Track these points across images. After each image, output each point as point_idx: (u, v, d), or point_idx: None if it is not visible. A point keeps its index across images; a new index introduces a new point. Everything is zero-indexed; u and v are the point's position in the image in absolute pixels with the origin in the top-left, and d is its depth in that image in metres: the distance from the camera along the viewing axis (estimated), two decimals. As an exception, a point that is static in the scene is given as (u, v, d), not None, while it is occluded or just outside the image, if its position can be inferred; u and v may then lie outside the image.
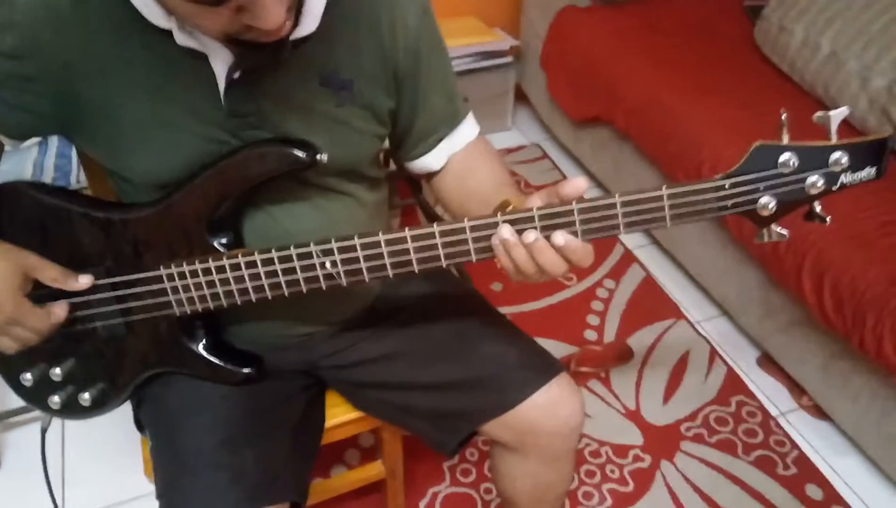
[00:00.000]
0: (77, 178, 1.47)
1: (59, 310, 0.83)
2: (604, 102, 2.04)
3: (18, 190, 0.84)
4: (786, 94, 1.84)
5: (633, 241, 2.13)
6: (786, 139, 0.63)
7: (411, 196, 2.11)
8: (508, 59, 2.36)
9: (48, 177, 1.45)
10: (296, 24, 0.71)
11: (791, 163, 0.63)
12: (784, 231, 0.67)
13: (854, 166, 0.63)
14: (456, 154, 0.94)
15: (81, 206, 0.83)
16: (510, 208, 0.75)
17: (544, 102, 2.44)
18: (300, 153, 0.78)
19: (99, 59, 0.75)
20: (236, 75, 0.75)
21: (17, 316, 0.79)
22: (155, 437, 0.91)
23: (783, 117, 0.62)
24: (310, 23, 0.75)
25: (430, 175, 0.97)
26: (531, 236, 0.70)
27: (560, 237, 0.70)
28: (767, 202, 0.65)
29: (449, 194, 0.96)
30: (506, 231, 0.71)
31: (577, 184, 0.70)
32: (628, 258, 2.07)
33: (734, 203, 0.66)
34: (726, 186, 0.65)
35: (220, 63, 0.75)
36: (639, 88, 1.93)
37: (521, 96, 2.58)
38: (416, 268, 0.75)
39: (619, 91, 1.98)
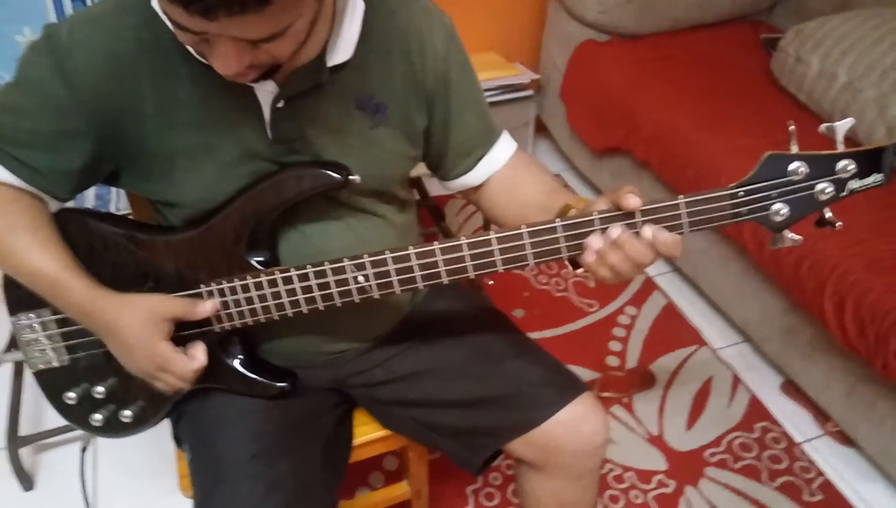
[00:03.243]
0: (116, 206, 1.52)
1: (200, 353, 0.85)
2: (623, 132, 2.08)
3: (67, 216, 0.88)
4: (803, 122, 1.82)
5: (654, 269, 2.15)
6: (794, 149, 0.67)
7: (434, 224, 2.15)
8: (529, 92, 2.41)
9: (89, 205, 1.51)
10: (272, 73, 0.74)
11: (800, 171, 0.67)
12: (797, 237, 0.70)
13: (861, 173, 0.66)
14: (498, 171, 0.98)
15: (126, 229, 0.87)
16: (572, 211, 0.80)
17: (564, 133, 2.49)
18: (334, 174, 0.82)
19: (156, 101, 0.78)
20: (280, 104, 0.80)
21: (162, 363, 0.82)
22: (193, 450, 0.94)
23: (791, 129, 0.66)
24: (345, 50, 0.80)
25: (473, 190, 1.01)
26: (616, 230, 0.74)
27: (648, 231, 0.73)
28: (780, 209, 0.69)
29: (502, 208, 0.99)
30: (615, 232, 0.74)
31: (634, 202, 0.73)
32: (649, 286, 2.08)
33: (749, 209, 0.69)
34: (741, 194, 0.69)
35: (265, 93, 0.79)
36: (658, 117, 1.97)
37: (541, 128, 2.63)
38: (444, 279, 0.79)
39: (638, 121, 2.02)
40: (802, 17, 2.10)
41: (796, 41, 1.93)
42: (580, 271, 0.80)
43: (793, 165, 0.69)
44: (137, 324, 0.80)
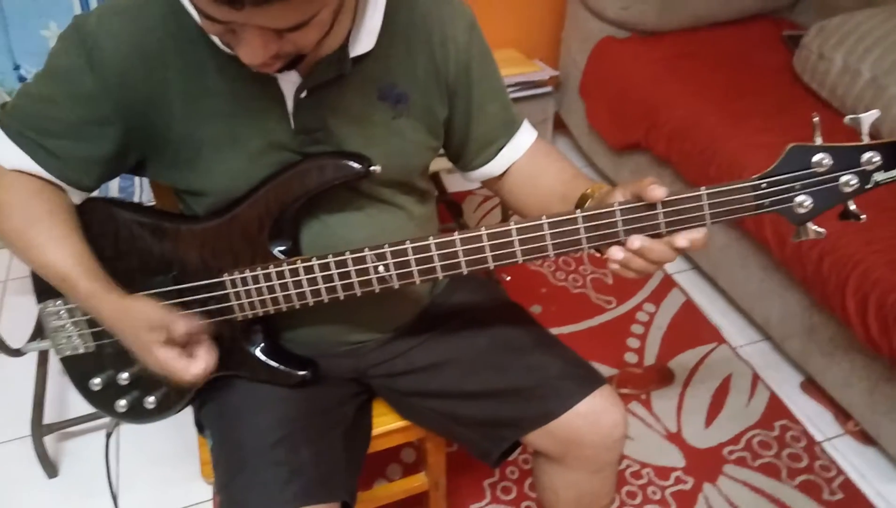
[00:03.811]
0: (140, 198, 1.54)
1: (199, 357, 0.83)
2: (643, 129, 2.07)
3: (93, 205, 0.90)
4: (826, 118, 1.83)
5: (672, 266, 2.14)
6: (818, 141, 0.66)
7: (451, 220, 2.16)
8: (548, 89, 2.41)
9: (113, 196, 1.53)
10: (295, 63, 0.74)
11: (824, 162, 0.66)
12: (821, 229, 0.70)
13: (886, 165, 0.66)
14: (519, 160, 0.98)
15: (151, 218, 0.89)
16: (589, 202, 0.81)
17: (583, 130, 2.48)
18: (355, 164, 0.83)
19: (182, 91, 0.79)
20: (303, 95, 0.80)
21: (162, 367, 0.81)
22: (215, 437, 0.95)
23: (815, 120, 0.66)
24: (367, 41, 0.81)
25: (494, 180, 1.01)
26: (637, 242, 0.74)
27: (683, 240, 0.73)
28: (803, 201, 0.68)
29: (523, 197, 0.99)
30: (636, 243, 0.74)
31: (660, 193, 0.73)
32: (668, 283, 2.07)
33: (771, 201, 0.69)
34: (763, 186, 0.68)
35: (289, 84, 0.80)
36: (678, 114, 1.96)
37: (559, 125, 2.63)
38: (464, 270, 0.79)
39: (658, 118, 2.01)
40: (825, 13, 2.07)
41: (819, 38, 1.91)
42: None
43: (817, 157, 0.68)
44: (134, 330, 0.81)
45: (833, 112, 1.88)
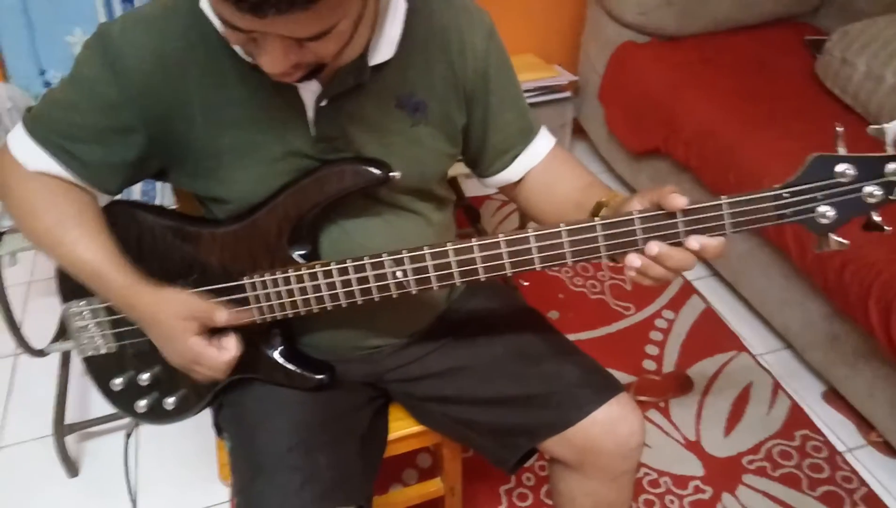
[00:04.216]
0: (161, 200, 1.56)
1: (231, 345, 0.86)
2: (663, 135, 2.06)
3: (117, 208, 0.91)
4: (849, 125, 1.80)
5: (692, 273, 2.12)
6: (842, 150, 0.66)
7: (469, 225, 2.16)
8: (566, 94, 2.41)
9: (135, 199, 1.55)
10: (315, 73, 0.75)
11: (847, 173, 0.66)
12: (844, 241, 0.69)
13: (912, 177, 0.65)
14: (536, 167, 0.98)
15: (174, 221, 0.90)
16: (604, 210, 0.81)
17: (602, 135, 2.47)
18: (375, 170, 0.83)
19: (204, 100, 0.80)
20: (323, 103, 0.81)
21: (195, 357, 0.84)
22: (233, 439, 0.96)
23: (838, 130, 0.65)
24: (387, 50, 0.82)
25: (511, 187, 1.01)
26: (655, 248, 0.73)
27: (695, 242, 0.73)
28: (825, 211, 0.67)
29: (539, 204, 0.99)
30: (654, 249, 0.73)
31: (681, 202, 0.72)
32: (688, 290, 2.06)
33: (793, 211, 0.68)
34: (785, 196, 0.68)
35: (309, 93, 0.81)
36: (698, 119, 1.95)
37: (578, 130, 2.62)
38: (482, 276, 0.79)
39: (678, 123, 2.00)
40: (848, 18, 2.05)
41: (842, 43, 1.89)
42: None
43: (840, 167, 0.67)
44: (172, 319, 0.83)
45: (856, 118, 1.85)
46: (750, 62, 2.13)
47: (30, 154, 0.83)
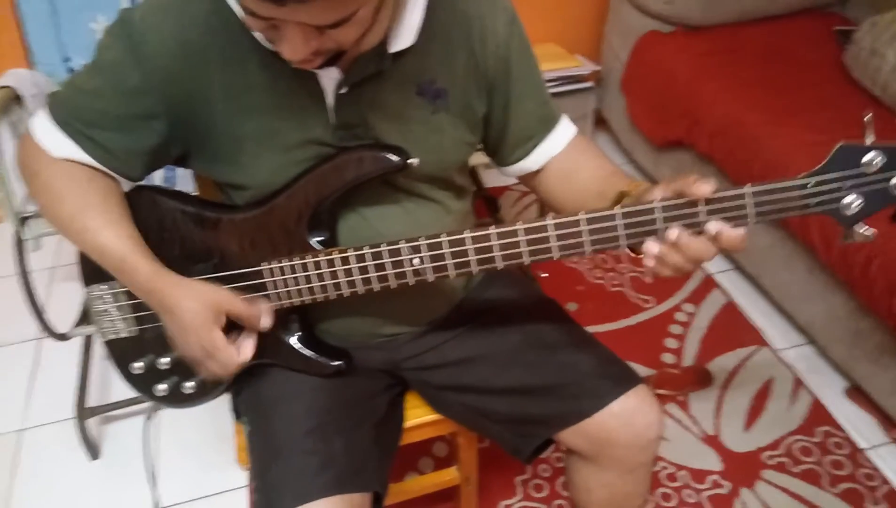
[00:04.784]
0: (181, 186, 1.57)
1: (248, 349, 0.87)
2: (686, 126, 2.04)
3: (139, 193, 0.92)
4: (877, 117, 1.78)
5: (714, 266, 2.10)
6: (870, 140, 0.64)
7: (488, 215, 2.15)
8: (589, 84, 2.39)
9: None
10: (335, 60, 0.75)
11: (875, 162, 0.64)
12: (870, 231, 0.68)
13: (940, 167, 0.63)
14: (556, 155, 0.97)
15: (194, 207, 0.90)
16: (626, 199, 0.79)
17: (624, 126, 2.45)
18: (393, 157, 0.83)
19: (225, 86, 0.80)
20: (343, 90, 0.81)
21: (211, 351, 0.84)
22: (251, 424, 0.96)
23: (866, 119, 0.64)
24: (407, 37, 0.81)
25: (531, 176, 1.01)
26: (675, 233, 0.72)
27: (714, 226, 0.72)
28: (851, 201, 0.66)
29: (559, 193, 0.98)
30: (673, 234, 0.73)
31: (706, 189, 0.72)
32: (709, 283, 2.04)
33: (819, 201, 0.67)
34: (810, 185, 0.66)
35: (329, 80, 0.81)
36: (722, 110, 1.92)
37: (600, 121, 2.60)
38: (499, 264, 0.79)
39: (702, 114, 1.97)
40: (878, 8, 2.00)
41: (872, 33, 1.86)
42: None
43: (867, 157, 0.66)
44: (196, 309, 0.82)
45: (885, 110, 1.82)
46: (776, 53, 2.10)
47: (54, 141, 0.84)
